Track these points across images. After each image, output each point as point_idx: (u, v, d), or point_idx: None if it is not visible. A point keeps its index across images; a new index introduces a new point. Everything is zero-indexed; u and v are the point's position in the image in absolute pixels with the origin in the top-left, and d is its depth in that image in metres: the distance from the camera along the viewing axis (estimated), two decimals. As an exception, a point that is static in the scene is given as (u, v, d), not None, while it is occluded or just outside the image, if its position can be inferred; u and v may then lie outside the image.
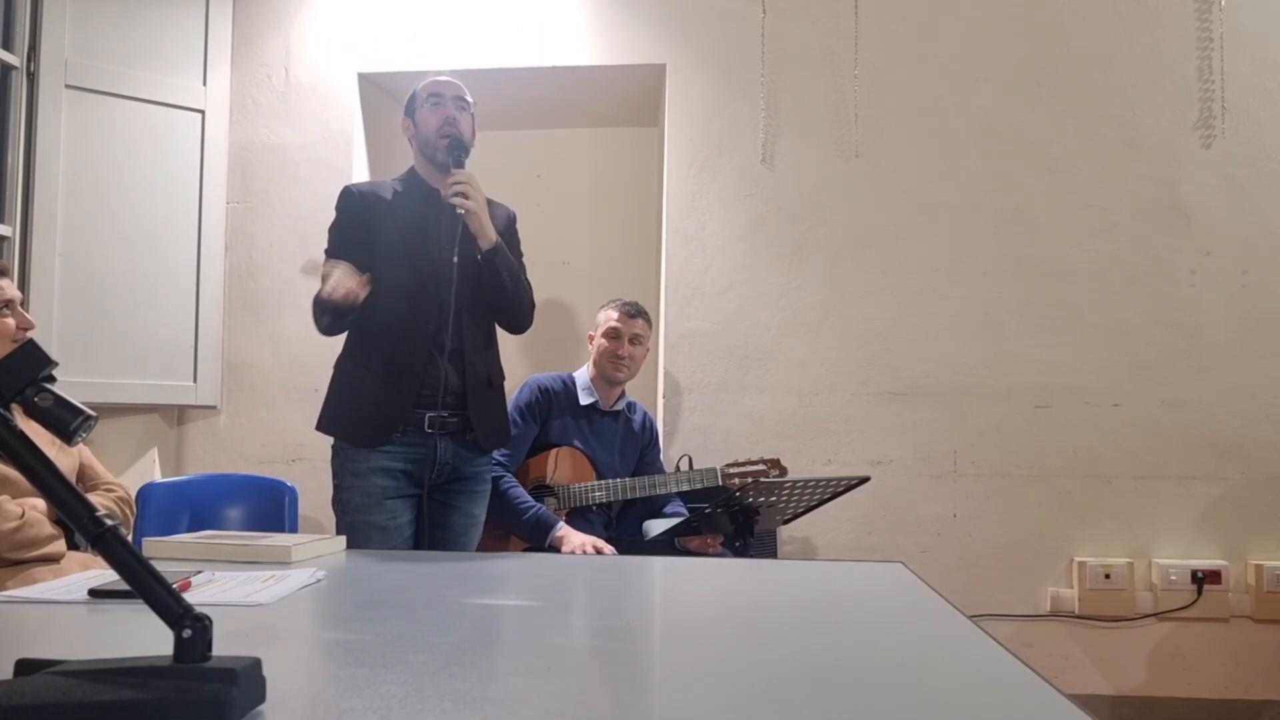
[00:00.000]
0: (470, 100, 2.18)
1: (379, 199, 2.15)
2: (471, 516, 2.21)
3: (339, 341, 3.17)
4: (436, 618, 1.10)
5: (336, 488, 2.15)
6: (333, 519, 2.21)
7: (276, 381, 3.27)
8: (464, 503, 2.19)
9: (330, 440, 2.18)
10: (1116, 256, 3.05)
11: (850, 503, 2.70)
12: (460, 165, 2.09)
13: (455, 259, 2.05)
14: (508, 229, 2.25)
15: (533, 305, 2.26)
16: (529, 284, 2.26)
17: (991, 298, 3.07)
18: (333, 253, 2.11)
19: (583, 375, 2.75)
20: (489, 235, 2.08)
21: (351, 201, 2.16)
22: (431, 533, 2.16)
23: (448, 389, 2.10)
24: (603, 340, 2.71)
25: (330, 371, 2.16)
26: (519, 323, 2.25)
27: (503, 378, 2.28)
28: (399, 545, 2.10)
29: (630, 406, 2.83)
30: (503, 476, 2.50)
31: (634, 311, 2.74)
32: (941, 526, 3.03)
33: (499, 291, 2.13)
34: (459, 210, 2.04)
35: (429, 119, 2.13)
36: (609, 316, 2.74)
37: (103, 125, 3.04)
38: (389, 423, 2.07)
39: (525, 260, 2.31)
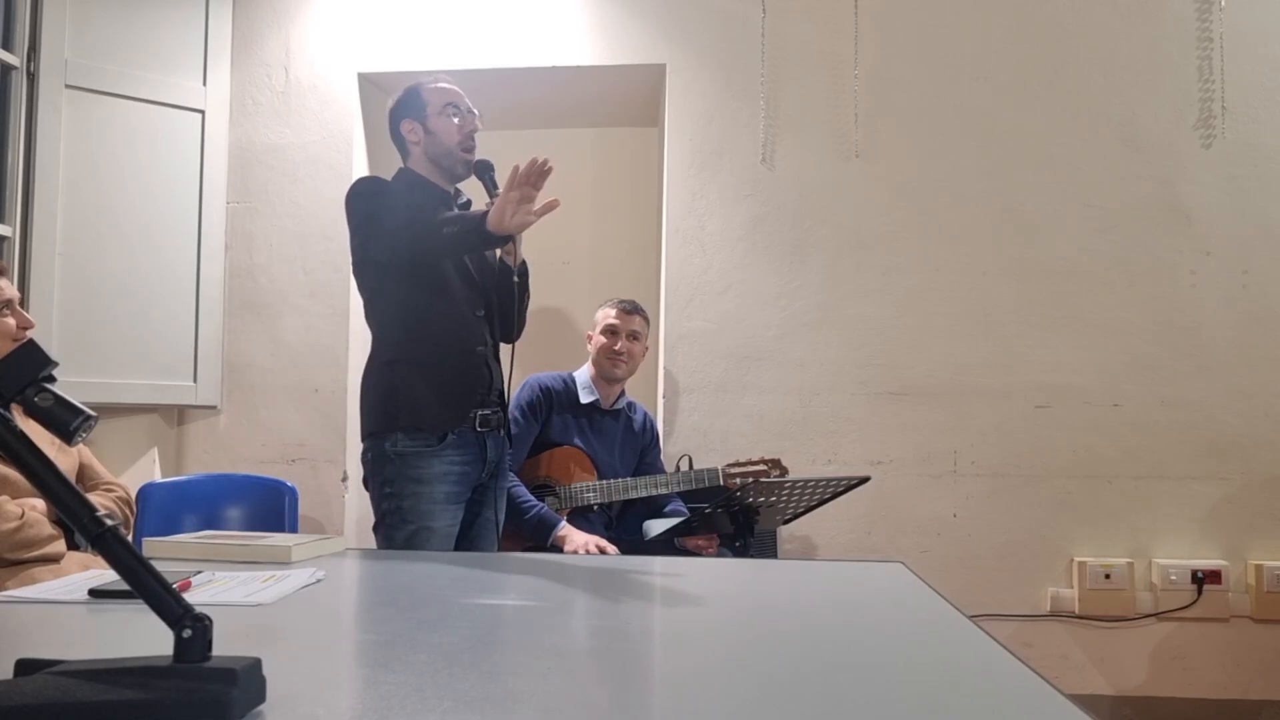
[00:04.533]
0: (476, 110, 2.17)
1: (414, 193, 2.09)
2: (502, 514, 2.24)
3: (339, 341, 3.20)
4: (436, 618, 1.10)
5: (391, 495, 2.02)
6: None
7: (276, 381, 3.27)
8: (499, 500, 2.21)
9: (358, 451, 2.12)
10: (1116, 256, 3.05)
11: (850, 503, 2.70)
12: (496, 185, 2.05)
13: (516, 277, 2.12)
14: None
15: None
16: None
17: (991, 298, 3.07)
18: (401, 211, 2.00)
19: (583, 374, 2.76)
20: (520, 254, 2.14)
21: (381, 184, 2.10)
22: (464, 534, 2.13)
23: (493, 388, 2.14)
24: (600, 337, 2.72)
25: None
26: (516, 333, 2.27)
27: None
28: (448, 549, 2.06)
29: (630, 406, 2.83)
30: (504, 476, 2.50)
31: (631, 308, 2.76)
32: (941, 526, 3.03)
33: (519, 308, 2.18)
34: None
35: (449, 130, 2.10)
36: (606, 314, 2.75)
37: (103, 125, 3.04)
38: (457, 413, 2.03)
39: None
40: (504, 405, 2.19)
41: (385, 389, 2.06)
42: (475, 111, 2.16)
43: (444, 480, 2.03)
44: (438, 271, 2.05)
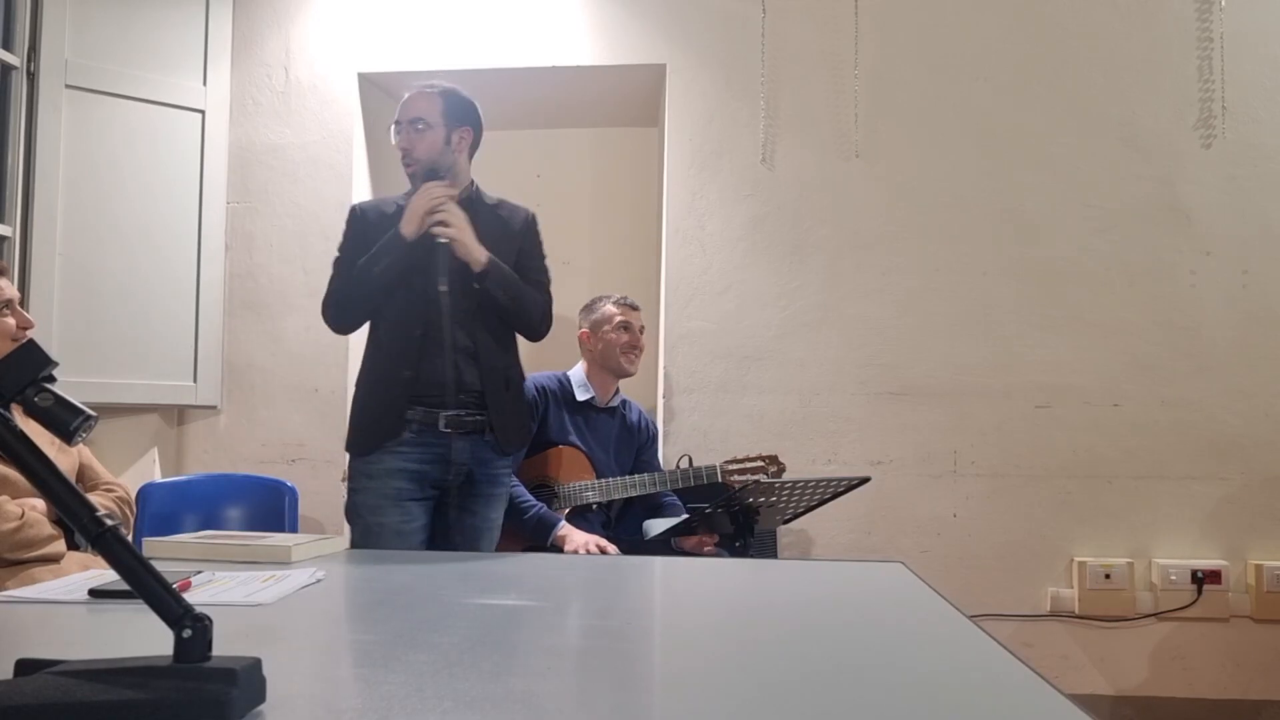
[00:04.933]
0: (426, 119, 2.12)
1: (381, 215, 2.16)
2: (487, 520, 2.20)
3: (339, 341, 3.20)
4: (436, 618, 1.10)
5: (350, 493, 2.13)
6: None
7: (276, 381, 3.27)
8: (479, 506, 2.18)
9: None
10: (1116, 256, 3.05)
11: (850, 503, 2.70)
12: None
13: (444, 287, 2.04)
14: (527, 230, 2.26)
15: (545, 313, 2.25)
16: (546, 283, 2.27)
17: (991, 298, 3.07)
18: (340, 276, 2.18)
19: (578, 373, 2.76)
20: (477, 259, 2.07)
21: (354, 223, 2.20)
22: (445, 536, 2.16)
23: (461, 388, 2.10)
24: (613, 335, 2.72)
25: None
26: (531, 331, 2.25)
27: (522, 378, 2.30)
28: (413, 549, 2.08)
29: (625, 404, 2.84)
30: (503, 476, 2.50)
31: (633, 303, 2.81)
32: (941, 526, 3.03)
33: (499, 310, 2.15)
34: (440, 240, 2.04)
35: (397, 147, 2.16)
36: (611, 313, 2.75)
37: (103, 125, 3.04)
38: (386, 424, 2.07)
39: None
40: (485, 408, 2.13)
41: (350, 409, 2.24)
42: (421, 119, 2.12)
43: (396, 476, 2.06)
44: (394, 292, 2.12)
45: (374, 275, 2.07)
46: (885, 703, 0.79)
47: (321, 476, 3.19)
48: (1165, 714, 2.91)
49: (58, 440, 0.77)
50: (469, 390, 2.11)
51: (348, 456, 2.22)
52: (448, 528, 2.16)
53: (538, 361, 3.48)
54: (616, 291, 2.90)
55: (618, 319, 2.73)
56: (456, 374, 2.09)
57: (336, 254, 2.20)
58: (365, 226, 2.16)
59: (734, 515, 2.35)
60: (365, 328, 2.23)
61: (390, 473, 2.07)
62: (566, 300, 3.57)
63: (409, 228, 2.03)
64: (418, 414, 2.07)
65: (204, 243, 3.23)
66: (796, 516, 2.49)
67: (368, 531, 2.07)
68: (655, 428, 2.98)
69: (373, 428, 2.10)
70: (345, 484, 2.22)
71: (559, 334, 3.50)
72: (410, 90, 2.19)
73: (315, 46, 3.34)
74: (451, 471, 2.12)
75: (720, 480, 2.68)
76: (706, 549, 2.56)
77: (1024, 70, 3.10)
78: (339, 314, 2.17)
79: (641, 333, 2.78)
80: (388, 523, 2.05)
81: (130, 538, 1.36)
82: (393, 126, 2.16)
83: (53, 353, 0.77)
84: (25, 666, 0.70)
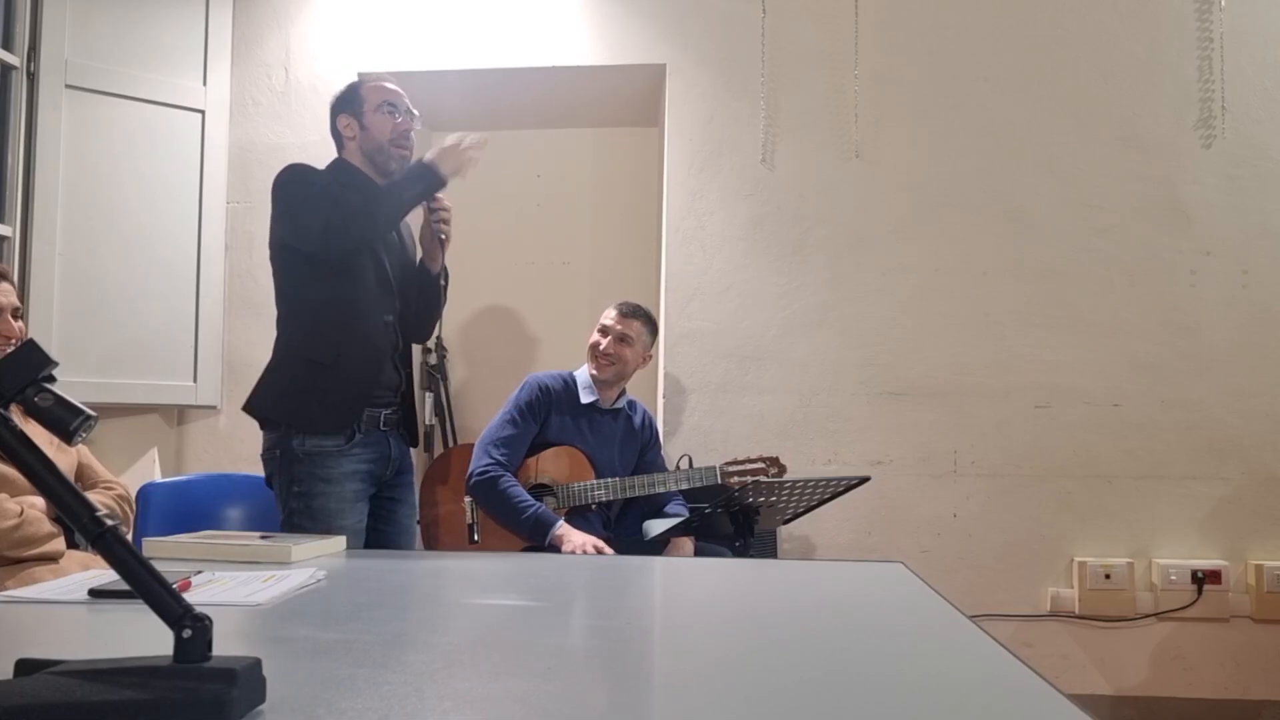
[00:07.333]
0: (415, 112, 2.19)
1: (340, 169, 2.15)
2: (412, 507, 2.29)
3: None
4: (436, 618, 1.10)
5: (300, 495, 2.03)
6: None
7: (276, 381, 3.27)
8: (406, 494, 2.26)
9: (259, 445, 2.11)
10: (1116, 256, 3.05)
11: (850, 503, 2.70)
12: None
13: (443, 280, 2.16)
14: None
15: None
16: None
17: (991, 298, 3.07)
18: (342, 198, 2.02)
19: (583, 374, 2.76)
20: (442, 260, 2.20)
21: (313, 175, 2.09)
22: (381, 528, 2.19)
23: (397, 390, 2.17)
24: (595, 335, 2.72)
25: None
26: (430, 334, 2.34)
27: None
28: (359, 547, 2.08)
29: (631, 405, 2.83)
30: (502, 476, 2.50)
31: (628, 311, 2.73)
32: (941, 526, 3.03)
33: (437, 308, 2.24)
34: (441, 236, 2.14)
35: (382, 126, 2.12)
36: (606, 314, 2.75)
37: (103, 125, 3.04)
38: (349, 415, 2.04)
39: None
40: (406, 406, 2.21)
41: (283, 385, 2.08)
42: (415, 113, 2.18)
43: (352, 479, 2.06)
44: (355, 272, 2.07)
45: (404, 199, 2.04)
46: (885, 703, 0.79)
47: (321, 476, 3.18)
48: (1165, 714, 2.91)
49: (56, 440, 0.77)
50: (400, 390, 2.18)
51: (274, 448, 2.05)
52: (382, 520, 2.19)
53: (538, 361, 3.48)
54: (617, 293, 2.90)
55: (602, 322, 2.72)
56: (397, 374, 2.17)
57: (299, 193, 2.07)
58: (319, 176, 2.10)
59: (734, 515, 2.35)
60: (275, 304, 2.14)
61: (347, 475, 2.05)
62: (566, 300, 3.58)
63: (449, 166, 2.02)
64: (364, 413, 2.08)
65: (204, 243, 3.23)
66: (797, 516, 2.49)
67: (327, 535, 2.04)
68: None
69: (332, 416, 2.03)
70: (267, 483, 2.08)
71: (563, 333, 3.51)
72: (384, 79, 2.18)
73: (315, 46, 3.34)
74: (390, 468, 2.18)
75: (720, 481, 2.68)
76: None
77: (1024, 70, 3.10)
78: (359, 230, 2.00)
79: (624, 341, 2.67)
80: (347, 525, 2.03)
81: (130, 537, 1.36)
82: (384, 105, 2.12)
83: (53, 353, 0.77)
84: (25, 666, 0.70)
